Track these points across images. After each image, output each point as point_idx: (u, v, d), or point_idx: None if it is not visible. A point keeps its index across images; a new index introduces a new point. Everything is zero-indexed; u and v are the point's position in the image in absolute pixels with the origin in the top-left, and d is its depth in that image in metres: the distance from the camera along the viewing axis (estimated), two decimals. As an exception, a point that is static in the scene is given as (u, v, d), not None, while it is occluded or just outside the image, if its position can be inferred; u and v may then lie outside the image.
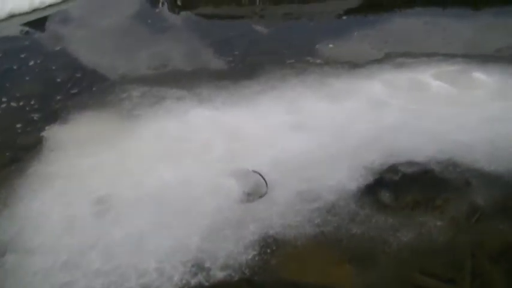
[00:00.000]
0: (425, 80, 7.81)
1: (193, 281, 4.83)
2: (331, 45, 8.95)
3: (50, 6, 11.12)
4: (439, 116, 6.92)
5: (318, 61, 8.37)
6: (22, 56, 9.28)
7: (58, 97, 7.68)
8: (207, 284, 4.79)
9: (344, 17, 10.46)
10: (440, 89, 7.57)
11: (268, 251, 5.10)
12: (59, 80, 8.20)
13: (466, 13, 11.51)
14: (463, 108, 7.12)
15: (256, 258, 5.02)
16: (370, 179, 5.86)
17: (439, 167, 6.05)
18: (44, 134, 6.86)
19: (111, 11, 11.28)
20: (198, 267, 4.94)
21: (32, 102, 7.65)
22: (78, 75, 8.34)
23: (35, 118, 7.26)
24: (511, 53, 8.85)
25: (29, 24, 10.69)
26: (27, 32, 10.29)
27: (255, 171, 5.91)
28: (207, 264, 4.96)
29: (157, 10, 11.40)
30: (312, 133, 6.55)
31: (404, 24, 10.36)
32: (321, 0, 12.22)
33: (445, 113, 7.00)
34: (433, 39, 9.54)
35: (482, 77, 7.92)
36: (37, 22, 10.73)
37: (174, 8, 11.71)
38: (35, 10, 10.98)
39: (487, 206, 5.55)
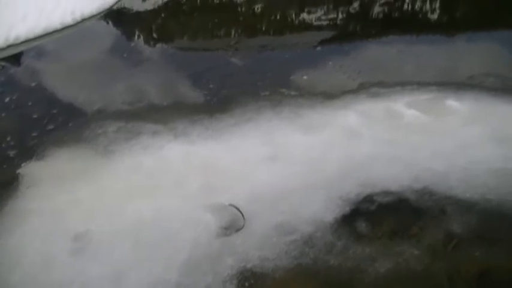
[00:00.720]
0: (400, 109, 7.92)
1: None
2: (305, 77, 9.05)
3: (25, 41, 11.12)
4: (414, 144, 7.01)
5: (293, 93, 8.46)
6: (-3, 92, 9.27)
7: (34, 133, 7.66)
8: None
9: (318, 48, 10.59)
10: (414, 118, 7.68)
11: (247, 284, 5.12)
12: (35, 116, 8.19)
13: (439, 39, 11.70)
14: (437, 136, 7.24)
15: (235, 292, 5.03)
16: (347, 209, 5.91)
17: (415, 195, 6.12)
18: (20, 170, 6.84)
19: (87, 45, 11.33)
20: (177, 302, 4.93)
21: (8, 139, 7.63)
22: (54, 111, 8.33)
23: (11, 155, 7.24)
24: (482, 80, 9.00)
25: (4, 60, 10.68)
26: (2, 68, 10.28)
27: (231, 205, 5.93)
28: (186, 300, 4.96)
29: (132, 44, 11.45)
30: (287, 165, 6.60)
31: (378, 53, 10.50)
32: (296, 31, 12.37)
33: (420, 141, 7.09)
34: (407, 68, 9.68)
35: (456, 105, 8.06)
36: (12, 58, 10.72)
37: (149, 40, 11.78)
38: (9, 46, 10.98)
39: (463, 233, 5.62)
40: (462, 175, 6.43)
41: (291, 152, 6.86)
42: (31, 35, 11.29)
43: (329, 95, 8.38)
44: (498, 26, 12.69)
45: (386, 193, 6.14)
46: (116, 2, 13.57)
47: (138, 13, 13.73)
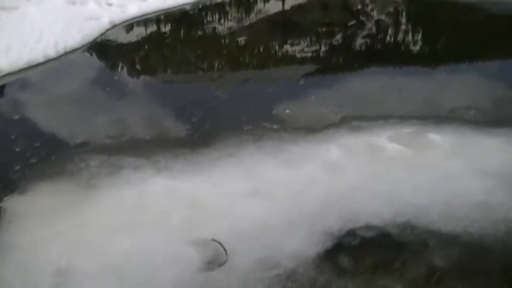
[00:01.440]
0: (381, 143, 8.02)
1: None
2: (287, 111, 9.14)
3: (8, 74, 11.13)
4: (396, 178, 7.09)
5: (275, 127, 8.54)
6: (-21, 125, 9.28)
7: (16, 167, 7.64)
8: None
9: (301, 81, 10.70)
10: (396, 152, 7.77)
11: (229, 320, 5.12)
12: (17, 149, 8.18)
13: (421, 71, 11.90)
14: (419, 170, 7.32)
15: (218, 328, 5.04)
16: (329, 244, 5.94)
17: (397, 229, 6.17)
18: (1, 204, 6.81)
19: (70, 78, 11.37)
20: None
21: (-10, 173, 7.63)
22: (37, 144, 8.33)
23: (-8, 189, 7.23)
24: (463, 113, 9.14)
25: (-14, 93, 10.71)
26: (-16, 101, 10.30)
27: (214, 240, 5.95)
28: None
29: (116, 77, 11.50)
30: (270, 199, 6.64)
31: (361, 86, 10.64)
32: (279, 64, 12.49)
33: (401, 175, 7.17)
34: (389, 101, 9.81)
35: (437, 138, 8.17)
36: (-6, 91, 10.75)
37: (133, 73, 11.84)
38: (-9, 79, 11.01)
39: (445, 267, 5.65)
40: (444, 209, 6.50)
41: (274, 186, 6.91)
42: (14, 68, 11.30)
43: (311, 129, 8.46)
44: (479, 58, 12.91)
45: (368, 227, 6.18)
46: (100, 35, 13.63)
47: (121, 45, 13.81)
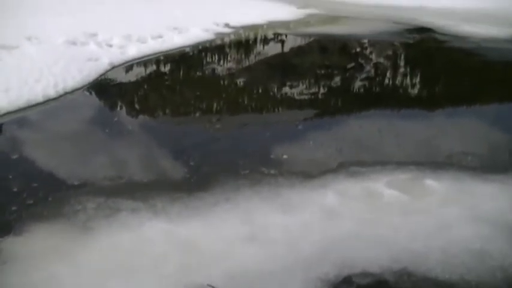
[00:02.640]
0: (379, 188, 8.05)
1: None
2: (285, 156, 9.19)
3: (7, 113, 11.19)
4: (393, 225, 7.11)
5: (273, 172, 8.58)
6: (-23, 165, 9.31)
7: (13, 208, 7.65)
8: None
9: (299, 126, 10.75)
10: (393, 198, 7.81)
11: None
12: (15, 189, 8.19)
13: (419, 115, 11.97)
14: (416, 217, 7.35)
15: None
16: (325, 291, 5.94)
17: (394, 277, 6.17)
18: (-4, 246, 6.81)
19: (69, 118, 11.43)
20: None
21: (-14, 213, 7.64)
22: (35, 184, 8.35)
23: (-12, 230, 7.23)
24: (461, 159, 9.20)
25: (-16, 132, 10.75)
26: (-18, 140, 10.34)
27: (209, 285, 5.94)
28: None
29: (115, 118, 11.57)
30: (266, 245, 6.65)
31: (359, 130, 10.70)
32: (277, 106, 12.58)
33: (398, 221, 7.20)
34: (387, 146, 9.88)
35: (434, 184, 8.21)
36: (-7, 130, 10.80)
37: (131, 114, 11.92)
38: (-10, 118, 11.08)
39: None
40: (441, 256, 6.51)
41: (270, 232, 6.92)
42: (13, 107, 11.37)
43: (308, 174, 8.51)
44: (476, 103, 13.03)
45: (365, 274, 6.18)
46: (99, 76, 13.73)
47: (120, 86, 13.91)
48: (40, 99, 11.87)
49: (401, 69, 16.18)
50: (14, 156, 9.38)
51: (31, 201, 7.84)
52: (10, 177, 8.62)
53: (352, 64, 17.03)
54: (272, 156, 9.17)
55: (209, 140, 10.15)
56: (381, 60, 17.22)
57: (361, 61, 17.28)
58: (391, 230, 6.99)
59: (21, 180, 8.47)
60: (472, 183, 8.39)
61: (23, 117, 11.32)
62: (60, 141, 10.21)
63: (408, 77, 15.25)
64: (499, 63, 16.48)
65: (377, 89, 14.60)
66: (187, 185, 8.25)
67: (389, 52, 18.23)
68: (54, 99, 12.09)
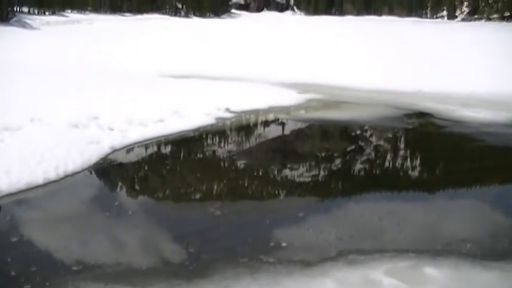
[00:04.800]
0: (378, 277, 8.11)
1: None
2: (284, 244, 9.25)
3: (7, 195, 11.27)
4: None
5: (272, 260, 8.65)
6: (-24, 248, 9.35)
7: (10, 293, 7.70)
8: None
9: (300, 213, 10.79)
10: (392, 287, 7.82)
11: None
12: (13, 273, 8.23)
13: (418, 200, 12.05)
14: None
15: None
16: None
17: None
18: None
19: (68, 202, 11.55)
20: None
21: (-18, 298, 7.66)
22: (33, 268, 8.39)
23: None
24: (460, 246, 9.26)
25: (-17, 214, 10.83)
26: (-18, 223, 10.40)
27: None
28: None
29: (116, 202, 11.65)
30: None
31: (358, 216, 10.81)
32: (278, 191, 12.68)
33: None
34: (386, 232, 9.98)
35: (434, 273, 8.28)
36: (-8, 213, 10.88)
37: (132, 198, 12.01)
38: (-10, 200, 11.17)
39: None
40: None
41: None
42: (13, 189, 11.48)
43: (307, 262, 8.58)
44: (476, 189, 13.14)
45: None
46: (100, 159, 13.86)
47: (121, 170, 14.05)
48: (40, 181, 11.98)
49: (401, 154, 16.36)
50: (13, 239, 9.44)
51: (28, 286, 7.87)
52: (8, 260, 8.66)
53: (353, 147, 17.24)
54: (271, 244, 9.23)
55: (209, 227, 10.23)
56: (381, 145, 17.42)
57: (361, 145, 17.51)
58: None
59: (20, 264, 8.51)
60: (471, 271, 8.45)
61: (23, 199, 11.41)
62: (59, 225, 10.29)
63: (408, 162, 15.39)
64: (497, 148, 16.67)
65: (377, 171, 14.75)
66: (187, 272, 8.29)
67: (389, 137, 18.46)
68: (55, 181, 12.19)
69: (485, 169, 14.86)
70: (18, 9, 75.35)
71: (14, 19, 68.80)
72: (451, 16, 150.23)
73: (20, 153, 12.97)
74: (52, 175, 12.33)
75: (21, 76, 23.79)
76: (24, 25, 66.91)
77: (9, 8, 70.30)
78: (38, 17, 76.36)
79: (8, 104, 16.88)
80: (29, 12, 78.03)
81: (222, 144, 16.95)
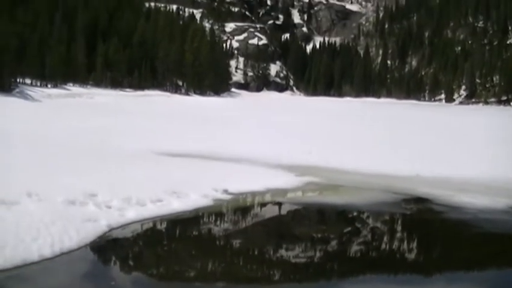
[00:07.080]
0: None
1: None
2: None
3: (1, 271, 11.23)
4: None
5: None
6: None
7: None
8: None
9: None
10: None
11: None
12: None
13: (417, 282, 12.04)
14: None
15: None
16: None
17: None
18: None
19: (63, 280, 11.56)
20: None
21: None
22: None
23: None
24: None
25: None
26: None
27: None
28: None
29: (112, 282, 11.61)
30: None
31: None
32: (273, 275, 12.68)
33: None
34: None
35: None
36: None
37: (128, 277, 12.05)
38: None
39: None
40: None
41: None
42: (7, 265, 11.48)
43: None
44: (474, 274, 13.15)
45: None
46: (97, 238, 13.83)
47: (118, 249, 14.04)
48: (35, 258, 11.97)
49: (398, 240, 16.42)
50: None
51: None
52: None
53: (349, 228, 17.31)
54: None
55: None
56: (378, 230, 17.51)
57: (358, 225, 17.59)
58: None
59: None
60: None
61: (16, 275, 11.37)
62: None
63: (404, 247, 15.43)
64: (495, 235, 16.70)
65: (374, 253, 14.78)
66: None
67: (387, 222, 18.53)
68: (50, 259, 12.16)
69: (482, 255, 14.87)
70: (20, 80, 76.14)
71: (17, 90, 69.55)
72: (449, 99, 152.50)
73: (16, 229, 12.97)
74: (47, 252, 12.31)
75: (20, 148, 23.97)
76: (26, 97, 67.74)
77: (12, 79, 71.14)
78: (40, 89, 77.16)
79: (6, 177, 16.94)
80: (31, 84, 78.81)
81: (219, 227, 16.99)
